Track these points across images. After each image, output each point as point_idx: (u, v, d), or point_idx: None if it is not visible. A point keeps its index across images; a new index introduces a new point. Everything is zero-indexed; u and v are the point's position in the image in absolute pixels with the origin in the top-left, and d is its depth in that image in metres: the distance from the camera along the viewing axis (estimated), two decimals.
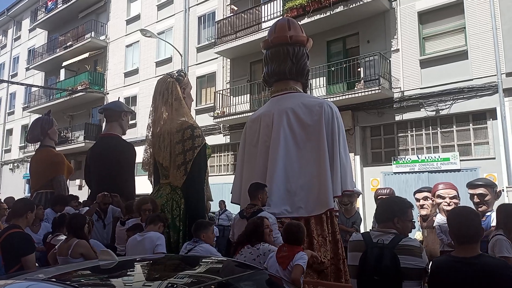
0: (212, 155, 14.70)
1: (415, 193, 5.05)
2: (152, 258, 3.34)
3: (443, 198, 4.55)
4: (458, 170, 10.66)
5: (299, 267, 3.23)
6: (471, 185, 4.43)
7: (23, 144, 24.77)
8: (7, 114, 28.92)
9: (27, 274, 2.72)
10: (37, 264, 3.99)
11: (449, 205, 4.49)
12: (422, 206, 4.83)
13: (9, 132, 28.31)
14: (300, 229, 3.49)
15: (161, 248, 4.05)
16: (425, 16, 11.72)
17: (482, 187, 4.34)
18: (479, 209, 4.21)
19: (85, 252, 3.86)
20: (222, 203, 12.21)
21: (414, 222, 2.80)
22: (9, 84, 27.94)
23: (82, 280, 2.45)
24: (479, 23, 10.66)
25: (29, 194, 9.79)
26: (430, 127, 11.42)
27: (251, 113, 8.31)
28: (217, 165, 16.41)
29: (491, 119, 10.47)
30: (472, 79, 10.61)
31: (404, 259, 2.41)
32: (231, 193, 5.18)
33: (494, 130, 10.35)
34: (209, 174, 7.08)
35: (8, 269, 3.38)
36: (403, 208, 2.66)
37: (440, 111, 11.03)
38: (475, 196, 4.34)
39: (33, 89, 24.60)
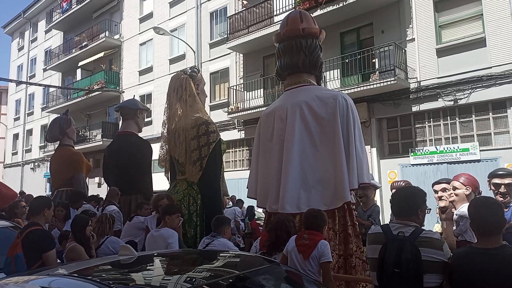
0: (227, 150, 14.74)
1: (433, 184, 4.96)
2: (171, 253, 3.38)
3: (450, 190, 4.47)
4: (478, 161, 10.44)
5: (327, 264, 3.19)
6: (497, 175, 4.25)
7: (43, 144, 25.33)
8: (26, 114, 29.58)
9: (49, 269, 2.79)
10: (58, 261, 4.08)
11: (450, 196, 4.41)
12: (440, 198, 4.73)
13: (29, 132, 28.98)
14: (320, 214, 3.49)
15: (174, 246, 4.08)
16: (441, 4, 11.45)
17: (509, 176, 4.20)
18: (504, 199, 4.08)
19: (75, 258, 3.81)
20: (237, 199, 12.14)
21: (430, 210, 2.78)
22: (28, 85, 28.55)
23: (103, 275, 2.50)
24: (496, 9, 10.36)
25: (50, 193, 10.01)
26: (449, 117, 11.20)
27: (265, 108, 8.29)
28: (232, 161, 16.46)
29: (511, 107, 10.20)
30: (490, 67, 10.35)
31: (425, 251, 2.37)
32: (247, 188, 5.19)
33: None
34: (224, 170, 7.11)
35: (30, 265, 3.47)
36: (423, 198, 2.66)
37: (458, 101, 10.80)
38: (503, 186, 4.17)
39: (51, 89, 25.09)
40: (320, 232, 3.39)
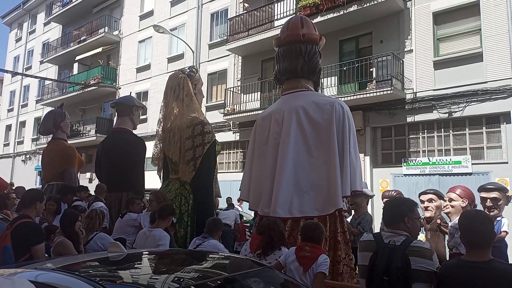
0: (221, 152, 14.71)
1: (420, 194, 4.99)
2: (160, 252, 3.36)
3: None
4: (470, 174, 10.52)
5: (321, 275, 3.21)
6: (484, 189, 4.35)
7: (36, 136, 25.10)
8: (20, 106, 29.33)
9: (36, 263, 2.76)
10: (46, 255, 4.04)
11: (445, 208, 4.47)
12: (426, 208, 4.76)
13: (22, 124, 28.72)
14: (319, 226, 3.49)
15: (163, 248, 4.07)
16: (440, 17, 11.56)
17: (496, 191, 4.26)
18: (491, 213, 4.15)
19: (63, 252, 3.80)
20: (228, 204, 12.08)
21: (422, 219, 2.78)
22: (23, 77, 28.32)
23: (91, 271, 2.48)
24: (495, 24, 10.49)
25: (41, 186, 9.92)
26: (442, 129, 11.28)
27: (261, 111, 8.29)
28: (226, 162, 16.44)
29: (504, 122, 10.30)
30: (486, 82, 10.45)
31: (414, 261, 2.39)
32: (239, 190, 5.18)
33: (508, 133, 10.18)
34: (218, 171, 7.09)
35: (18, 258, 3.43)
36: (410, 207, 2.66)
37: (453, 114, 10.89)
38: (488, 200, 4.26)
39: (47, 82, 24.91)
40: (319, 245, 3.42)
